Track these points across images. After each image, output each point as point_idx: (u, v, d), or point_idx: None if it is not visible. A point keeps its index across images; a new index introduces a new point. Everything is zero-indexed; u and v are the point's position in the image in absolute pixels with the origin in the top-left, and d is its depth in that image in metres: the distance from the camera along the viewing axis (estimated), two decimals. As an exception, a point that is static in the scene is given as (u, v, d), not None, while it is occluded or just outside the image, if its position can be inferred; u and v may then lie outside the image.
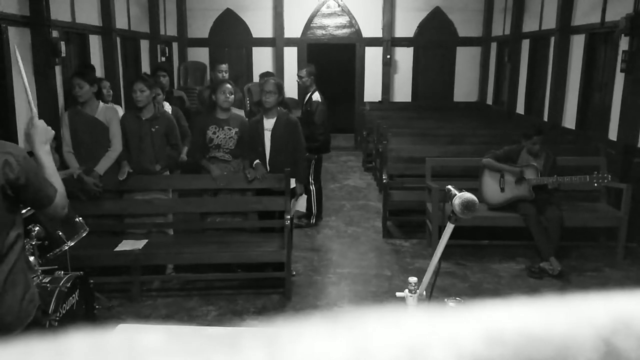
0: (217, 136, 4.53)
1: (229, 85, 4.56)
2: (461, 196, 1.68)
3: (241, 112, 5.72)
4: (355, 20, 11.14)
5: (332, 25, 11.22)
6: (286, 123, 4.69)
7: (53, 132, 2.08)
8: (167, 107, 5.30)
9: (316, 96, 5.98)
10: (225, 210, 4.73)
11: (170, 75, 6.43)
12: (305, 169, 5.08)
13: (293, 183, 4.75)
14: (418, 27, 11.15)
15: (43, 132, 2.03)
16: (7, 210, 1.87)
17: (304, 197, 5.22)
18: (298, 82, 6.22)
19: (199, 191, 4.77)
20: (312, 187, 6.03)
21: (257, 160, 4.62)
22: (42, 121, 2.05)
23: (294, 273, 4.64)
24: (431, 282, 1.91)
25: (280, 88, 4.69)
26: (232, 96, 4.54)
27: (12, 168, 1.83)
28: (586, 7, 7.10)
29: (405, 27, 11.12)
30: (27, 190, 1.88)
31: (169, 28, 10.43)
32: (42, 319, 2.09)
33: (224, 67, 5.92)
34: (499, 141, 6.24)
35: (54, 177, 2.01)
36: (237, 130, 4.56)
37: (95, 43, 7.32)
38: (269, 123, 4.69)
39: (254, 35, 11.14)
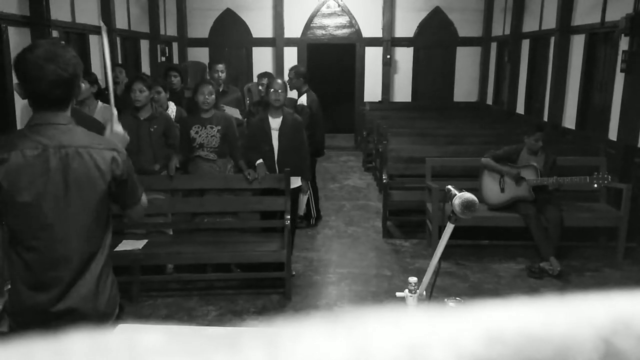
0: (200, 135, 4.54)
1: (209, 86, 4.56)
2: (461, 196, 1.68)
3: (236, 111, 5.69)
4: (355, 20, 11.14)
5: (332, 25, 11.22)
6: (292, 122, 4.69)
7: (128, 138, 2.15)
8: (172, 106, 5.29)
9: (302, 99, 5.86)
10: (225, 210, 4.72)
11: (182, 75, 6.44)
12: (309, 166, 5.08)
13: (298, 181, 4.75)
14: (418, 27, 11.15)
15: (121, 139, 2.10)
16: (109, 206, 1.97)
17: (306, 196, 5.21)
18: (287, 83, 6.16)
19: (187, 191, 4.77)
20: (310, 190, 6.01)
21: (260, 160, 4.61)
22: (120, 126, 2.12)
23: (294, 273, 4.64)
24: (431, 282, 1.91)
25: (287, 87, 4.73)
26: (213, 96, 4.54)
27: (118, 165, 1.91)
28: (586, 7, 7.10)
29: (405, 27, 11.12)
30: (125, 187, 1.96)
31: (169, 28, 10.43)
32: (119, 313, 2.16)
33: (221, 67, 5.91)
34: (499, 141, 6.24)
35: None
36: (220, 128, 4.56)
37: (95, 43, 7.31)
38: (275, 122, 4.67)
39: (254, 35, 11.14)
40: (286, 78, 6.17)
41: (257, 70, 9.86)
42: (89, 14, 7.14)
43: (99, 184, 1.87)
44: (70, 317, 1.88)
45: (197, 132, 4.54)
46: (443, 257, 1.84)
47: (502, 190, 5.12)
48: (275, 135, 4.66)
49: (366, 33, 11.15)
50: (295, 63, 10.44)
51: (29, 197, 1.80)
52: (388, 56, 11.01)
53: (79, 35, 6.96)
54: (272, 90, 4.61)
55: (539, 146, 5.01)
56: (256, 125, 4.76)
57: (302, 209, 5.08)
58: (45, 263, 1.85)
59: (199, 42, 11.08)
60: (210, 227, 4.78)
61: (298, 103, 5.87)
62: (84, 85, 4.33)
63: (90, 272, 1.92)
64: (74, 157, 1.82)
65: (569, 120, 7.49)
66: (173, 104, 5.37)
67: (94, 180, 1.85)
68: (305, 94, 5.92)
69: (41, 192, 1.80)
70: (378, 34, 11.09)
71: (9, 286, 1.93)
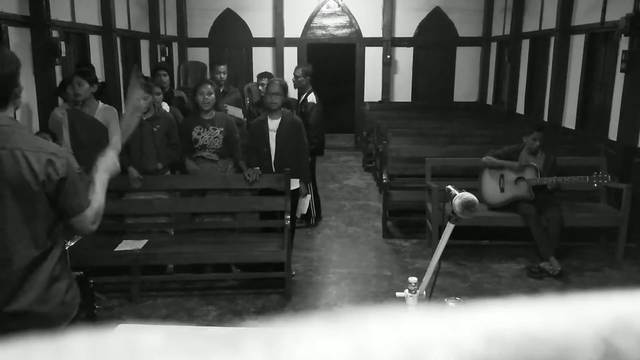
0: (202, 136, 4.55)
1: (208, 86, 4.56)
2: (461, 196, 1.68)
3: (238, 111, 5.69)
4: (355, 20, 11.14)
5: (332, 25, 11.22)
6: (291, 123, 4.69)
7: (120, 171, 2.25)
8: (166, 107, 5.30)
9: (311, 97, 5.92)
10: (225, 210, 4.73)
11: (171, 74, 6.41)
12: (308, 169, 5.08)
13: (297, 184, 4.74)
14: (418, 27, 11.15)
15: (112, 167, 2.19)
16: (50, 206, 1.92)
17: (308, 197, 5.21)
18: (293, 82, 6.17)
19: (188, 191, 4.77)
20: (310, 189, 6.01)
21: (257, 168, 4.59)
22: (116, 159, 2.21)
23: (294, 273, 4.64)
24: (431, 282, 1.91)
25: (285, 89, 4.71)
26: (212, 96, 4.54)
27: (56, 168, 1.87)
28: (586, 7, 7.10)
29: (405, 27, 11.12)
30: (64, 192, 1.92)
31: (169, 28, 10.43)
32: (80, 314, 2.16)
33: (222, 68, 5.91)
34: (499, 141, 6.24)
35: (98, 195, 2.07)
36: (223, 129, 4.56)
37: (95, 43, 7.31)
38: (273, 124, 4.68)
39: (254, 35, 11.14)
40: (292, 77, 6.18)
41: (257, 70, 9.86)
42: (89, 14, 7.14)
43: (33, 186, 1.84)
44: (22, 319, 1.88)
45: (199, 134, 4.55)
46: (443, 257, 1.84)
47: (502, 190, 5.12)
48: (272, 137, 4.67)
49: (366, 33, 11.15)
50: (296, 63, 10.43)
51: None
52: (388, 56, 11.01)
53: (79, 35, 6.96)
54: (268, 93, 4.63)
55: (537, 146, 5.01)
56: (255, 127, 4.78)
57: (301, 211, 5.07)
58: None
59: (199, 42, 11.08)
60: (210, 227, 4.78)
61: (309, 101, 5.90)
62: (85, 86, 4.32)
63: (37, 276, 1.90)
64: (8, 158, 1.81)
65: (569, 120, 7.49)
66: (167, 104, 5.37)
67: (27, 182, 1.83)
68: (312, 92, 5.96)
69: None
70: (378, 34, 11.08)
71: None
